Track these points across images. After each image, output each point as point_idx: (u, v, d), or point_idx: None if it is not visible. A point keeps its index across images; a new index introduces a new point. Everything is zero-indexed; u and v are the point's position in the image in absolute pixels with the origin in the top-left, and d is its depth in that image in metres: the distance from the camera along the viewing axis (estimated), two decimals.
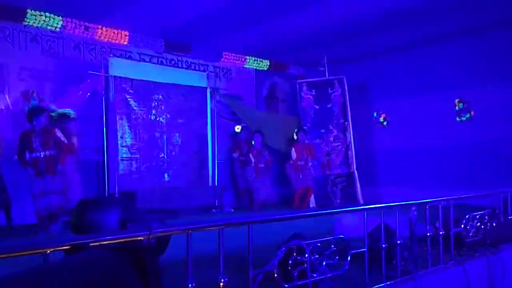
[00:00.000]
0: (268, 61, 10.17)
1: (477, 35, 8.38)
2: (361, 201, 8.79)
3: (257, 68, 10.13)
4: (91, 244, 1.74)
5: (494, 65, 8.23)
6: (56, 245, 1.64)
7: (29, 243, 1.81)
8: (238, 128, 9.03)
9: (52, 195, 5.77)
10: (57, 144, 5.92)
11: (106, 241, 1.83)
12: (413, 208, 3.59)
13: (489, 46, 8.33)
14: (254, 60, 9.95)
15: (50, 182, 5.79)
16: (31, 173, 5.81)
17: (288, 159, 8.98)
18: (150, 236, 1.97)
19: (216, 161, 8.67)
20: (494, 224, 4.44)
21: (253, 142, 8.58)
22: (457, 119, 8.91)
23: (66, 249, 1.45)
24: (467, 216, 4.21)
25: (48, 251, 1.68)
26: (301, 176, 8.74)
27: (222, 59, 9.39)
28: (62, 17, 7.14)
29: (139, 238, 1.94)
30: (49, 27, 7.12)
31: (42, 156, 5.79)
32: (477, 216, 4.31)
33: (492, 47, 8.30)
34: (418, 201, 3.65)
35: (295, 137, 8.98)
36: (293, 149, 8.85)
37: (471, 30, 8.27)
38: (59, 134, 5.99)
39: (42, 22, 7.00)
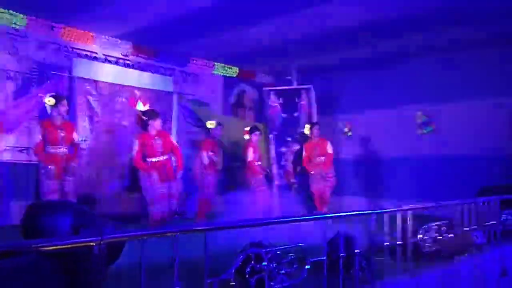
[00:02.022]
0: (237, 68, 10.17)
1: (440, 53, 8.64)
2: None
3: (226, 75, 10.11)
4: (42, 249, 1.68)
5: (456, 81, 8.48)
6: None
7: None
8: (211, 124, 7.71)
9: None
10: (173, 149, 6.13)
11: (56, 246, 1.77)
12: (372, 217, 3.63)
13: (451, 64, 8.60)
14: (223, 66, 9.94)
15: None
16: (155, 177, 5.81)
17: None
18: (102, 242, 1.91)
19: None
20: (451, 235, 4.53)
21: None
22: (419, 131, 9.12)
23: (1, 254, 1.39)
24: (424, 227, 4.29)
25: None
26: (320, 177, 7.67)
27: (189, 64, 9.34)
28: (26, 15, 6.96)
29: (90, 243, 1.89)
30: (12, 25, 6.92)
31: (163, 160, 5.92)
32: (434, 227, 4.40)
33: (454, 65, 8.58)
34: (377, 211, 3.69)
35: (307, 132, 8.06)
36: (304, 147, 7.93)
37: (434, 48, 8.51)
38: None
39: (5, 19, 6.80)
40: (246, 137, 7.70)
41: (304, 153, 7.84)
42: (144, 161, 5.90)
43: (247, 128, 7.79)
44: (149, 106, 8.18)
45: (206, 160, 7.35)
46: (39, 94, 6.84)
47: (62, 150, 5.72)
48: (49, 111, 5.74)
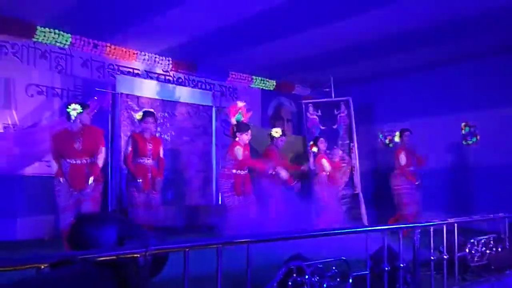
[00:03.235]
0: (274, 81, 10.21)
1: (482, 59, 8.40)
2: (366, 223, 8.70)
3: (263, 87, 10.17)
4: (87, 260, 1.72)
5: (498, 89, 8.22)
6: (50, 260, 1.61)
7: (22, 258, 1.79)
8: (276, 133, 7.14)
9: None
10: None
11: (102, 257, 1.81)
12: (417, 231, 3.53)
13: (494, 70, 8.34)
14: (261, 80, 10.00)
15: None
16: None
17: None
18: (147, 253, 1.94)
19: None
20: (499, 249, 4.37)
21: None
22: (463, 142, 8.86)
23: (52, 264, 1.43)
24: (471, 241, 4.15)
25: (42, 266, 1.67)
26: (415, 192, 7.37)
27: (228, 78, 9.45)
28: (71, 34, 7.24)
29: (135, 255, 1.92)
30: (58, 44, 7.21)
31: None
32: (482, 241, 4.25)
33: (496, 71, 8.31)
34: (422, 224, 3.60)
35: (397, 139, 7.66)
36: (402, 153, 7.44)
37: (476, 54, 8.29)
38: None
39: (51, 39, 7.09)
40: (314, 149, 7.94)
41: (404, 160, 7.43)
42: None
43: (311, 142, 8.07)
44: (189, 120, 8.32)
45: (285, 175, 6.78)
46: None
47: (150, 162, 6.03)
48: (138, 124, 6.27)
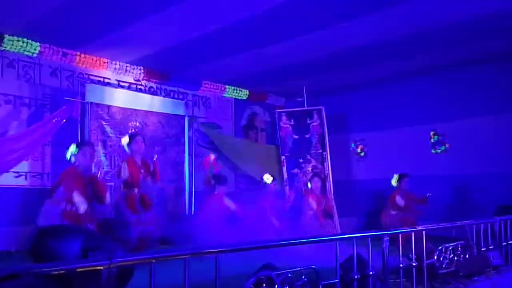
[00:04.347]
0: (247, 90, 10.23)
1: (452, 70, 8.60)
2: (339, 231, 8.74)
3: (237, 97, 10.17)
4: (53, 273, 1.67)
5: (468, 99, 8.43)
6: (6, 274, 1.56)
7: None
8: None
9: None
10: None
11: (64, 270, 1.76)
12: (386, 238, 3.57)
13: (463, 81, 8.56)
14: (234, 89, 10.00)
15: None
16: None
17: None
18: (111, 266, 1.90)
19: (193, 190, 8.58)
20: (467, 256, 4.44)
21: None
22: (432, 151, 9.03)
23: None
24: (440, 248, 4.21)
25: None
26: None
27: (201, 88, 9.42)
28: (39, 43, 7.11)
29: (98, 267, 1.88)
30: (26, 53, 7.07)
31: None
32: (450, 248, 4.31)
33: (465, 82, 8.52)
34: (391, 231, 3.63)
35: (394, 183, 7.66)
36: (398, 196, 7.52)
37: (446, 66, 8.49)
38: None
39: (19, 47, 6.94)
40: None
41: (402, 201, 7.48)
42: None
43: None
44: (161, 130, 8.26)
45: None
46: (53, 120, 6.94)
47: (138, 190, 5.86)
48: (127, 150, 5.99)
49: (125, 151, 6.12)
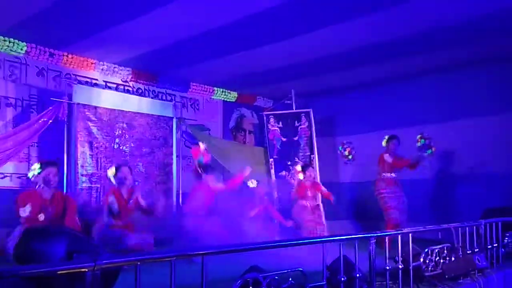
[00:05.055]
0: (236, 93, 10.22)
1: (440, 73, 8.66)
2: (326, 234, 8.75)
3: (225, 99, 10.16)
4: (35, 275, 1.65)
5: (454, 102, 8.50)
6: None
7: None
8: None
9: None
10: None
11: (48, 272, 1.74)
12: (372, 241, 3.58)
13: (450, 83, 8.63)
14: (222, 91, 9.99)
15: None
16: None
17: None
18: (95, 268, 1.88)
19: (180, 191, 8.54)
20: (453, 258, 4.47)
21: None
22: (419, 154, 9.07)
23: None
24: (426, 250, 4.23)
25: None
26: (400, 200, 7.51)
27: (190, 90, 9.39)
28: (26, 42, 7.03)
29: (83, 269, 1.86)
30: (12, 53, 6.98)
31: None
32: (436, 250, 4.34)
33: (452, 84, 8.60)
34: (377, 234, 3.65)
35: (384, 144, 7.75)
36: (387, 154, 7.61)
37: (434, 69, 8.54)
38: None
39: (6, 47, 6.85)
40: (300, 176, 7.72)
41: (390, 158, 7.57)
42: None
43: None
44: (150, 132, 8.22)
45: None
46: (39, 121, 6.87)
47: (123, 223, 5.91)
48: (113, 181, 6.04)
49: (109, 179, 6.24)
